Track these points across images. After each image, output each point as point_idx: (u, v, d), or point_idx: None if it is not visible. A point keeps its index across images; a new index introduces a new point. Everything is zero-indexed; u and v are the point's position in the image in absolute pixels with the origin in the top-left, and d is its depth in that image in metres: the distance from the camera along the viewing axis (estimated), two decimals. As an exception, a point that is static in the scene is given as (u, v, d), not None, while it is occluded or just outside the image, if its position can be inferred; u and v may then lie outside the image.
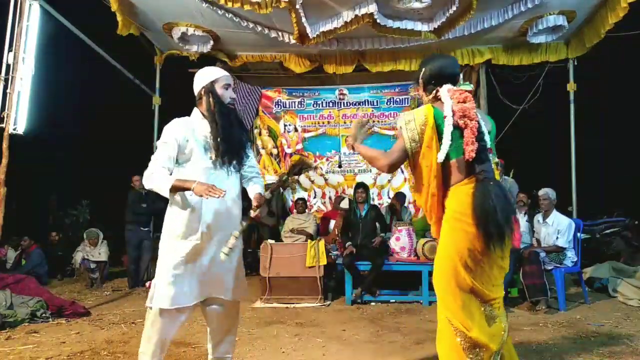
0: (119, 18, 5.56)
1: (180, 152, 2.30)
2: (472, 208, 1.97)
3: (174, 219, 2.32)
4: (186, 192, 2.25)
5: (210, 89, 2.37)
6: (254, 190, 2.48)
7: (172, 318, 2.30)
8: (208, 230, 2.30)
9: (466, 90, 2.15)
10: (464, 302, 2.01)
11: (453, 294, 2.03)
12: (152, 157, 2.26)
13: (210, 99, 2.35)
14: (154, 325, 2.30)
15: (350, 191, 7.55)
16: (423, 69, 2.27)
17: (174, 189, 2.18)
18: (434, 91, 2.20)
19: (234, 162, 2.38)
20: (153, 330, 2.30)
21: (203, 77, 2.41)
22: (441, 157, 2.02)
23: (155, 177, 2.22)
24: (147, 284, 6.67)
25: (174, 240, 2.29)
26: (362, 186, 5.82)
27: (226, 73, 2.45)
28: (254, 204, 2.41)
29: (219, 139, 2.30)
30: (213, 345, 2.52)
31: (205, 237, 2.30)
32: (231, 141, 2.34)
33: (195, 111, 2.43)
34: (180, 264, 2.27)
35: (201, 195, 2.13)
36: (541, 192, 5.19)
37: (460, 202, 2.02)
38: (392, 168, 2.19)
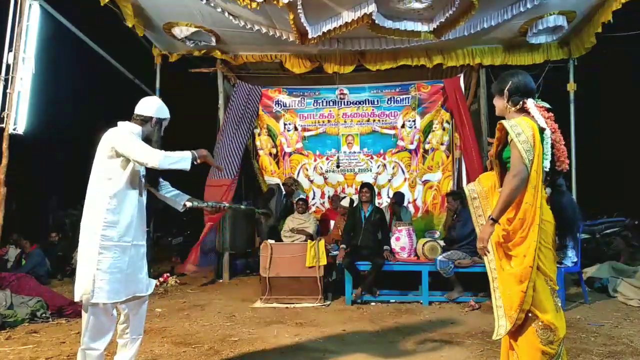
0: (126, 12, 5.57)
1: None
2: (562, 210, 2.34)
3: (113, 219, 2.53)
4: (122, 196, 2.56)
5: (160, 123, 2.73)
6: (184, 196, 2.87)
7: (107, 312, 2.56)
8: (134, 235, 2.60)
9: (547, 109, 2.42)
10: (542, 287, 2.28)
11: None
12: (138, 145, 2.49)
13: (156, 129, 2.71)
14: (95, 320, 2.55)
15: (349, 190, 7.55)
16: (510, 81, 2.46)
17: (195, 159, 2.55)
18: (520, 102, 2.42)
19: (155, 184, 2.75)
20: (91, 325, 2.55)
21: (162, 110, 2.75)
22: (547, 164, 2.27)
23: (173, 155, 2.49)
24: (163, 277, 6.71)
25: (117, 238, 2.52)
26: (366, 186, 5.82)
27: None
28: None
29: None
30: (130, 329, 2.77)
31: (132, 240, 2.58)
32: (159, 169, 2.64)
33: (133, 127, 2.66)
34: (116, 263, 2.50)
35: (205, 159, 2.59)
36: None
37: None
38: (525, 180, 2.27)
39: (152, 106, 2.70)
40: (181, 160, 2.49)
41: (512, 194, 2.25)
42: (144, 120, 2.67)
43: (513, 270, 2.29)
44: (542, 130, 2.28)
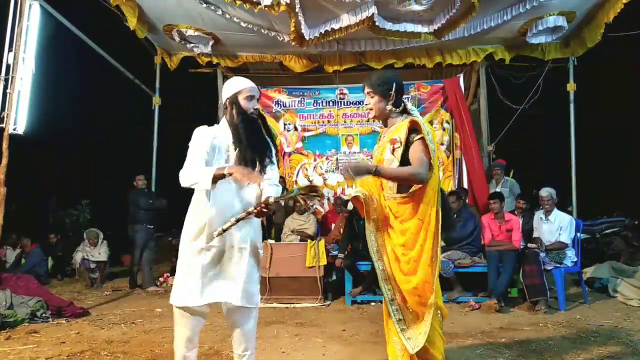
0: (128, 14, 5.61)
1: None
2: (444, 210, 2.38)
3: (189, 221, 2.38)
4: (201, 197, 2.34)
5: (234, 100, 2.43)
6: (266, 192, 2.39)
7: (186, 316, 2.35)
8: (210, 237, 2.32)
9: None
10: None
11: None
12: (186, 159, 2.35)
13: (233, 110, 2.42)
14: (175, 321, 2.39)
15: (349, 191, 7.54)
16: (394, 82, 2.40)
17: (215, 179, 2.22)
18: (402, 104, 2.43)
19: (255, 170, 2.38)
20: (175, 326, 2.40)
21: (229, 88, 2.48)
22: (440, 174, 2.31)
23: (194, 172, 2.28)
24: (163, 277, 6.77)
25: (188, 241, 2.36)
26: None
27: (251, 84, 2.48)
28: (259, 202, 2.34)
29: (238, 148, 2.37)
30: (234, 342, 2.50)
31: (215, 240, 2.31)
32: (250, 150, 2.38)
33: (223, 120, 2.49)
34: (191, 264, 2.32)
35: (239, 180, 2.22)
36: (544, 192, 5.20)
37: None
38: (426, 180, 2.28)
39: (223, 92, 2.51)
40: (199, 181, 2.23)
41: (407, 178, 2.27)
42: (225, 109, 2.47)
43: (413, 284, 2.29)
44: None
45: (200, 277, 2.30)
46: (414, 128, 2.32)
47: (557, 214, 5.15)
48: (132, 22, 5.71)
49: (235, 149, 2.38)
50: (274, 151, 2.54)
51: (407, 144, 2.32)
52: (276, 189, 2.46)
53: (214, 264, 2.33)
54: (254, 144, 2.40)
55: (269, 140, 2.54)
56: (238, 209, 2.34)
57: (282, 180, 7.26)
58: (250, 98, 2.44)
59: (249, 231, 2.41)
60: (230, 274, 2.35)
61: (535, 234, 5.29)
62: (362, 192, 2.45)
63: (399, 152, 2.33)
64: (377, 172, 2.26)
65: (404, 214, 2.33)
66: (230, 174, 2.20)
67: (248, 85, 2.46)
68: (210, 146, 2.36)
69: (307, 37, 5.79)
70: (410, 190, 2.32)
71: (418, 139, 2.29)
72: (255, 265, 2.44)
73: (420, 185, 2.29)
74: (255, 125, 2.45)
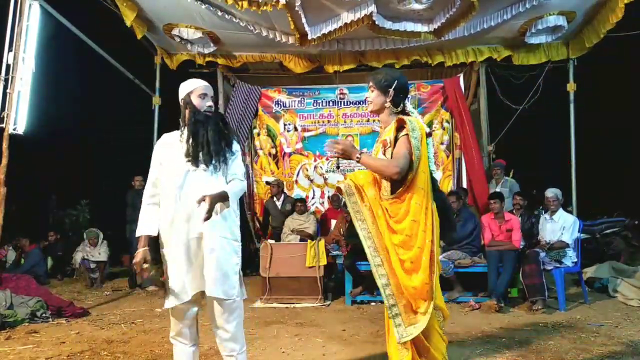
0: (125, 13, 5.60)
1: (162, 163, 2.44)
2: (447, 208, 2.50)
3: (160, 222, 2.41)
4: (166, 193, 2.38)
5: (187, 100, 2.49)
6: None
7: (172, 315, 2.43)
8: (185, 229, 2.31)
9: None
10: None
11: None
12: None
13: (187, 110, 2.48)
14: (171, 320, 2.45)
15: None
16: (396, 80, 2.40)
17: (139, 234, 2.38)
18: (402, 104, 2.44)
19: (213, 163, 2.40)
20: (173, 325, 2.46)
21: (182, 90, 2.54)
22: (434, 167, 2.41)
23: (140, 213, 2.42)
24: (163, 277, 6.77)
25: (162, 245, 2.38)
26: None
27: (203, 83, 2.54)
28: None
29: (192, 143, 2.39)
30: (218, 343, 2.50)
31: (183, 235, 2.32)
32: (206, 144, 2.39)
33: (181, 122, 2.54)
34: (169, 265, 2.36)
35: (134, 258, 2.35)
36: (550, 193, 5.21)
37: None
38: (401, 175, 2.27)
39: (179, 95, 2.55)
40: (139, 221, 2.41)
41: (378, 169, 2.30)
42: (182, 111, 2.52)
43: (413, 284, 2.27)
44: (428, 135, 2.37)
45: (175, 277, 2.33)
46: (401, 125, 2.33)
47: (561, 214, 5.16)
48: (128, 19, 5.68)
49: (187, 143, 2.39)
50: (234, 146, 2.53)
51: (395, 143, 2.34)
52: (241, 185, 2.47)
53: (186, 260, 2.32)
54: (208, 140, 2.40)
55: (229, 136, 2.54)
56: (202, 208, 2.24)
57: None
58: (203, 96, 2.48)
59: (219, 222, 2.36)
60: (202, 266, 2.33)
61: (540, 235, 5.28)
62: (346, 183, 2.48)
63: (389, 153, 2.35)
64: (358, 159, 2.31)
65: (398, 214, 2.33)
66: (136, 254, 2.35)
67: (200, 84, 2.51)
68: (160, 161, 2.43)
69: (309, 36, 5.80)
70: (398, 191, 2.32)
71: (402, 136, 2.31)
72: (230, 256, 2.39)
73: (404, 187, 2.29)
74: (208, 122, 2.44)
